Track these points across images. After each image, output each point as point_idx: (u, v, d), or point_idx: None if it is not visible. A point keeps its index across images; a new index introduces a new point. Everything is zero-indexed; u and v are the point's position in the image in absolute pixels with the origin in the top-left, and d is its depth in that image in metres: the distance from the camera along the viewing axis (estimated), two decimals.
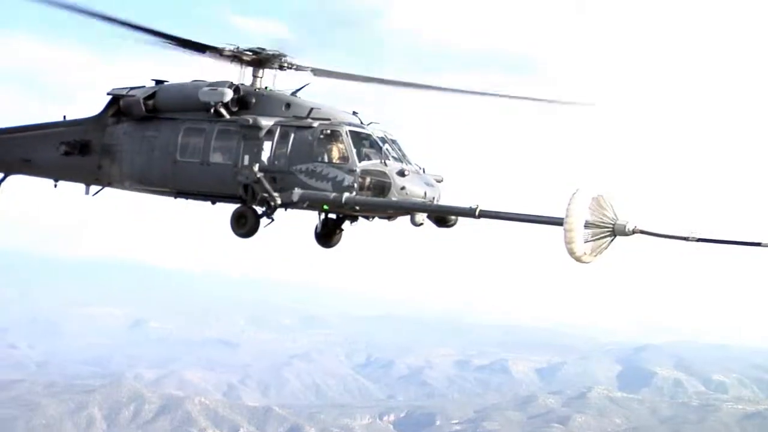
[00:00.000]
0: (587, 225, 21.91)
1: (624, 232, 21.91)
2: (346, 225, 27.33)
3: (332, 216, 27.09)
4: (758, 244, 21.07)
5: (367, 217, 26.35)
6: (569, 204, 21.92)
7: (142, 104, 27.71)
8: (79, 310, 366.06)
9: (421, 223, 25.30)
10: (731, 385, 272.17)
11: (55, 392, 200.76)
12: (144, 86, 28.42)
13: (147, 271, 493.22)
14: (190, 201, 27.80)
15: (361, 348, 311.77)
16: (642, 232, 21.93)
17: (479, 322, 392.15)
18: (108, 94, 28.90)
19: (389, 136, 26.26)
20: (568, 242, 21.85)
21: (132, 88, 28.45)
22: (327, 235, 27.37)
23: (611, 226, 21.98)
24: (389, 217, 25.92)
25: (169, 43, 26.43)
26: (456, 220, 25.38)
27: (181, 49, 26.73)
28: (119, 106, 28.48)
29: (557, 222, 22.16)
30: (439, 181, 26.15)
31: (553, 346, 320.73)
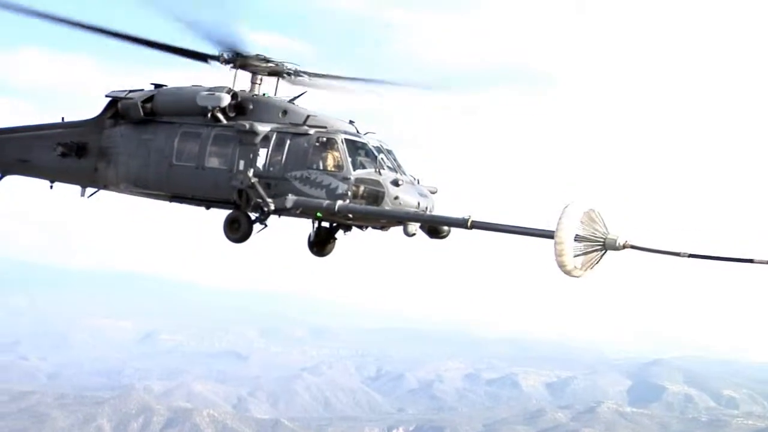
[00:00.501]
0: (578, 239, 21.84)
1: (615, 247, 21.86)
2: (340, 234, 27.43)
3: (325, 225, 27.22)
4: (750, 261, 21.00)
5: (360, 227, 26.52)
6: (560, 217, 21.90)
7: (140, 107, 27.87)
8: (89, 321, 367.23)
9: (414, 234, 25.44)
10: (741, 401, 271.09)
11: (64, 404, 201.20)
12: (143, 89, 28.50)
13: (158, 284, 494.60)
14: (185, 205, 27.92)
15: (371, 361, 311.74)
16: (633, 247, 21.83)
17: (489, 336, 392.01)
18: (106, 96, 29.07)
19: (385, 146, 26.38)
20: (558, 255, 21.87)
21: (131, 91, 28.59)
22: (320, 243, 27.50)
23: (602, 240, 21.91)
24: (383, 227, 26.07)
25: (171, 52, 26.81)
26: (449, 232, 25.49)
27: (182, 56, 27.06)
28: (117, 108, 28.57)
29: (548, 235, 22.13)
30: (433, 192, 26.23)
31: (562, 361, 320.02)
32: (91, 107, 29.71)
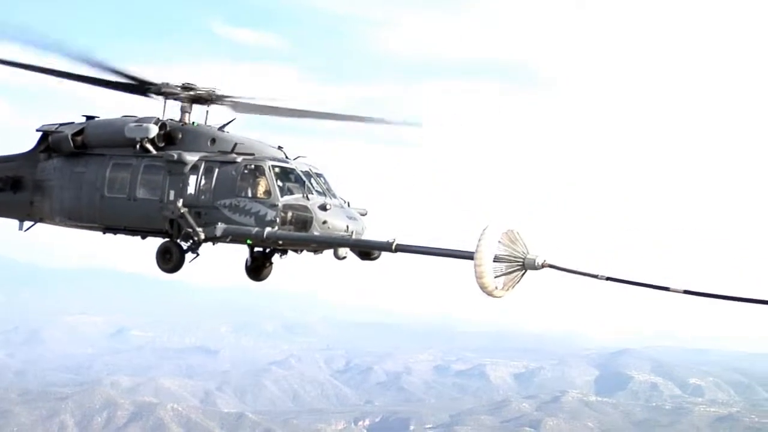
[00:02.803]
0: (498, 259, 21.77)
1: (534, 266, 21.81)
2: (276, 258, 27.47)
3: (260, 250, 27.27)
4: (666, 289, 20.95)
5: (295, 250, 26.48)
6: (479, 239, 21.84)
7: (70, 140, 27.81)
8: (62, 318, 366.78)
9: (344, 257, 25.75)
10: (707, 389, 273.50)
11: (28, 399, 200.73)
12: (73, 122, 28.43)
13: (132, 280, 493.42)
14: (120, 236, 27.75)
15: (341, 354, 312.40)
16: (551, 266, 21.81)
17: (461, 329, 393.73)
18: (37, 130, 28.96)
19: (314, 170, 26.44)
20: (478, 277, 21.82)
21: (61, 125, 28.46)
22: (257, 269, 27.69)
23: (522, 260, 21.91)
24: (315, 251, 26.08)
25: (98, 82, 26.59)
26: (379, 254, 25.70)
27: (111, 88, 26.95)
28: (49, 142, 28.52)
29: (468, 256, 22.10)
30: (363, 214, 26.34)
31: (532, 352, 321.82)
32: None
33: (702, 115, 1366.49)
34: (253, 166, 25.87)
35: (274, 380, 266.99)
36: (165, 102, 27.46)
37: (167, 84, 27.03)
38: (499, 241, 21.80)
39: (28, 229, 29.39)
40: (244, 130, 27.73)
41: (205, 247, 26.11)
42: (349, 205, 26.30)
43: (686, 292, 20.90)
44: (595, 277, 21.26)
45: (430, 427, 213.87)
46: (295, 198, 25.41)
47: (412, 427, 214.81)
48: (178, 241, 26.14)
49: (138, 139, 26.71)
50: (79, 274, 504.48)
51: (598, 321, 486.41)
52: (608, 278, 21.13)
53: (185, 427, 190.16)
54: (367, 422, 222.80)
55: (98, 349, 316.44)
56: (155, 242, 26.55)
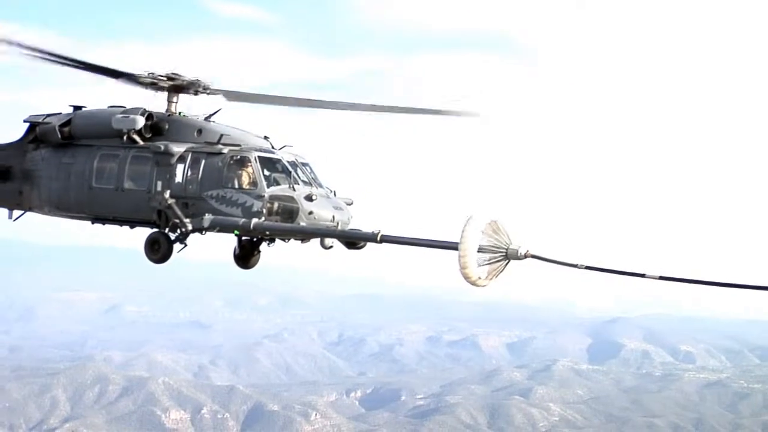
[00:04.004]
0: (481, 249, 22.10)
1: (517, 256, 22.22)
2: (264, 246, 27.45)
3: (248, 238, 27.32)
4: (642, 276, 21.53)
5: (282, 239, 26.54)
6: (463, 229, 22.12)
7: (57, 131, 27.89)
8: (57, 295, 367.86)
9: (331, 246, 26.00)
10: (698, 355, 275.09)
11: (21, 375, 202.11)
12: (60, 113, 28.44)
13: (127, 256, 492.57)
14: (108, 226, 27.82)
15: (333, 327, 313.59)
16: (534, 256, 22.26)
17: (454, 299, 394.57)
18: (25, 121, 29.00)
19: (300, 160, 26.56)
20: (462, 267, 22.17)
21: (48, 115, 28.53)
22: (244, 257, 27.78)
23: (505, 250, 22.29)
24: (302, 240, 26.23)
25: (84, 70, 26.42)
26: (364, 244, 25.75)
27: (96, 74, 26.71)
28: (37, 133, 28.54)
29: (453, 247, 22.42)
30: (349, 204, 26.47)
31: (526, 321, 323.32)
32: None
33: (686, 94, 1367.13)
34: (239, 157, 26.02)
35: (267, 353, 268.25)
36: (153, 93, 27.41)
37: (153, 74, 27.02)
38: (483, 232, 22.15)
39: (17, 218, 29.66)
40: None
41: (193, 237, 26.20)
42: (335, 195, 26.51)
43: (661, 278, 21.34)
44: (575, 266, 21.92)
45: (420, 398, 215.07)
46: (281, 189, 25.60)
47: (403, 398, 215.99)
48: (166, 231, 26.26)
49: (125, 130, 26.80)
50: (74, 251, 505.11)
51: (593, 290, 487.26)
52: (587, 267, 21.81)
53: (176, 400, 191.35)
54: (358, 393, 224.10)
55: (92, 325, 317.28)
56: (144, 231, 26.82)
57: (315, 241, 26.21)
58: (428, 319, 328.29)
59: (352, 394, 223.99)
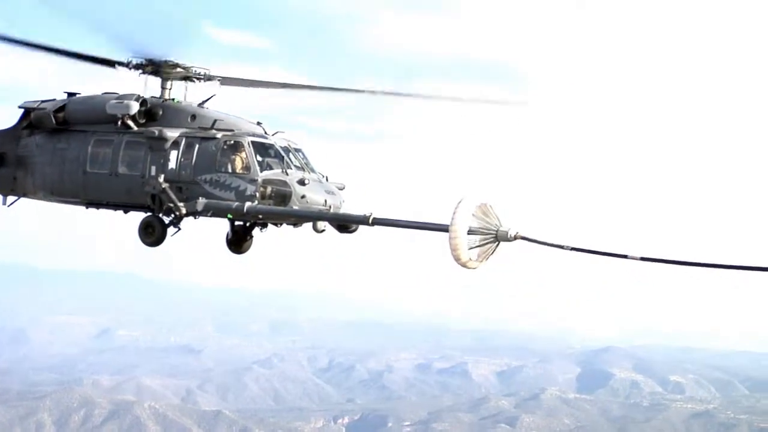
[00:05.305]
0: (472, 231, 22.48)
1: (506, 238, 22.56)
2: (256, 231, 28.19)
3: (240, 223, 27.95)
4: (625, 257, 21.79)
5: (275, 224, 27.09)
6: (454, 212, 22.52)
7: (52, 117, 28.48)
8: (49, 318, 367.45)
9: (323, 230, 26.42)
10: (687, 386, 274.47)
11: (7, 399, 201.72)
12: (55, 99, 28.98)
13: (120, 280, 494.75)
14: (102, 210, 28.43)
15: (324, 353, 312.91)
16: (523, 238, 22.61)
17: (447, 328, 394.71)
18: (20, 107, 29.57)
19: (293, 145, 26.97)
20: (453, 249, 22.45)
21: (43, 101, 29.08)
22: (237, 241, 28.37)
23: (495, 232, 22.64)
24: (294, 224, 26.74)
25: (78, 59, 27.09)
26: (356, 227, 26.13)
27: (91, 63, 27.40)
28: (31, 119, 29.14)
29: (443, 229, 22.78)
30: (340, 189, 26.97)
31: (517, 350, 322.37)
32: None
33: (684, 95, 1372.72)
34: (232, 142, 26.53)
35: (256, 379, 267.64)
36: (146, 79, 28.05)
37: (149, 60, 27.62)
38: (473, 214, 22.60)
39: (11, 204, 30.03)
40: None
41: (187, 222, 26.90)
42: (327, 180, 26.96)
43: (643, 258, 21.67)
44: (562, 247, 22.24)
45: (408, 425, 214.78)
46: (274, 173, 26.10)
47: (390, 425, 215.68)
48: (160, 215, 26.85)
49: (119, 115, 27.33)
50: (68, 275, 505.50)
51: (584, 320, 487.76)
52: (573, 248, 22.20)
53: (162, 425, 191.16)
54: (346, 420, 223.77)
55: (83, 348, 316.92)
56: (138, 216, 27.25)
57: (308, 229, 26.58)
58: (420, 347, 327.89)
59: (340, 421, 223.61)
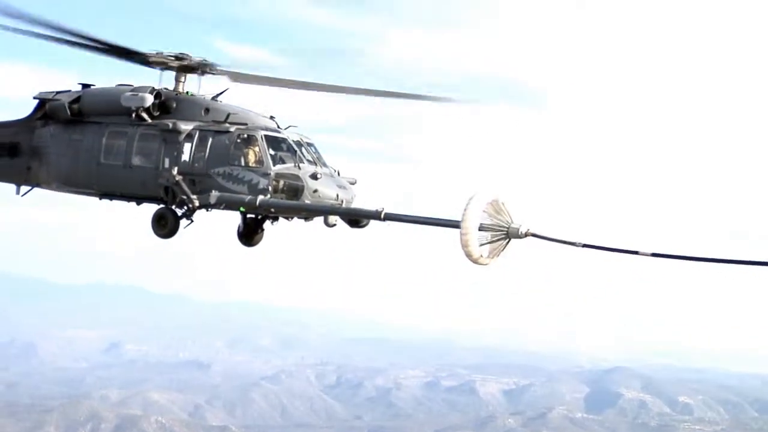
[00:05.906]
0: (483, 228, 22.54)
1: (518, 235, 22.66)
2: (267, 225, 28.32)
3: (252, 216, 28.13)
4: (636, 253, 21.91)
5: (286, 217, 27.26)
6: (465, 208, 22.55)
7: (67, 108, 28.71)
8: (58, 332, 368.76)
9: (335, 224, 26.55)
10: (696, 407, 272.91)
11: (15, 412, 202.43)
12: (70, 90, 29.27)
13: (130, 294, 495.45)
14: (115, 201, 28.68)
15: (332, 369, 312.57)
16: (534, 235, 22.68)
17: (456, 345, 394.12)
18: (35, 98, 29.80)
19: (305, 140, 27.18)
20: (464, 245, 22.53)
21: (58, 92, 29.31)
22: (248, 234, 28.48)
23: (506, 229, 22.69)
24: (305, 218, 26.89)
25: (94, 49, 27.22)
26: (367, 222, 26.33)
27: (106, 54, 27.59)
28: (46, 110, 29.38)
29: (455, 225, 22.87)
30: (352, 183, 27.05)
31: (525, 368, 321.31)
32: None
33: (682, 97, 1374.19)
34: (246, 136, 26.80)
35: (264, 395, 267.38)
36: (161, 72, 28.27)
37: (161, 54, 27.84)
38: (485, 211, 22.71)
39: (25, 194, 30.24)
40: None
41: (200, 214, 27.10)
42: (339, 174, 27.13)
43: (654, 255, 21.80)
44: (574, 244, 22.40)
45: None
46: (287, 167, 26.36)
47: None
48: (173, 207, 27.05)
49: (134, 107, 27.62)
50: (77, 289, 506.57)
51: (593, 339, 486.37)
52: (584, 245, 22.32)
53: None
54: None
55: (92, 362, 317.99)
56: (151, 207, 27.45)
57: (319, 223, 26.70)
58: (428, 365, 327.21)
59: None
